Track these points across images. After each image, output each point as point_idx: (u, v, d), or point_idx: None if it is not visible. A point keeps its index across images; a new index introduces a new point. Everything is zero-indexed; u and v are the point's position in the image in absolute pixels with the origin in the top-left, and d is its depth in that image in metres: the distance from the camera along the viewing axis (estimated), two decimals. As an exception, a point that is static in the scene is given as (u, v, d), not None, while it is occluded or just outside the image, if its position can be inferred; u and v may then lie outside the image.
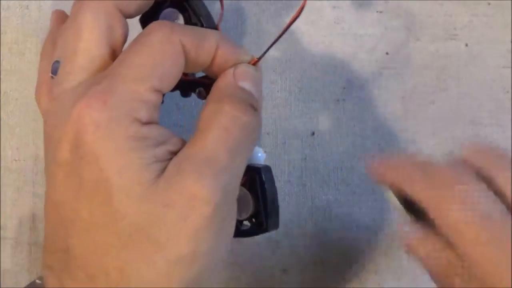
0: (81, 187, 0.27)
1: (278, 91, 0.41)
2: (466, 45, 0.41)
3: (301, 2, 0.38)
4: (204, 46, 0.30)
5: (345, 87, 0.41)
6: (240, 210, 0.31)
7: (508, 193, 0.30)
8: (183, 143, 0.28)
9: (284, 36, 0.41)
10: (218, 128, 0.28)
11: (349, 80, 0.41)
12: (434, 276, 0.32)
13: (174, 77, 0.29)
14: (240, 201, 0.31)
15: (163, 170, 0.27)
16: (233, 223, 0.29)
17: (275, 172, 0.33)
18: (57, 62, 0.30)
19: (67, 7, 0.41)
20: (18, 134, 0.41)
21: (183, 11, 0.33)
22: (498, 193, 0.30)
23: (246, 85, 0.30)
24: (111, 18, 0.30)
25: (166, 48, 0.28)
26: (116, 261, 0.27)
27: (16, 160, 0.41)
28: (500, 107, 0.41)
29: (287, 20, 0.41)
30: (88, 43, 0.29)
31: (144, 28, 0.30)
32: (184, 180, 0.27)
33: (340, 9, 0.41)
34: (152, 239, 0.26)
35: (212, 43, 0.30)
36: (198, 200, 0.26)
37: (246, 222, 0.32)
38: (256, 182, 0.32)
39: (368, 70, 0.41)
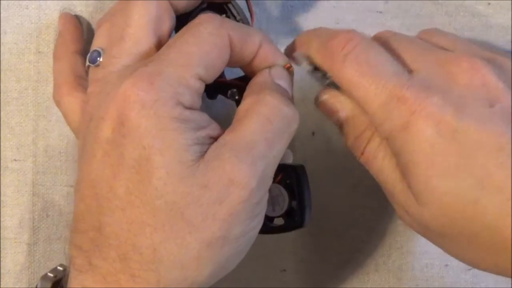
0: (120, 165, 0.27)
1: (278, 91, 0.41)
2: (466, 45, 0.41)
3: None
4: (249, 43, 0.31)
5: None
6: (274, 206, 0.33)
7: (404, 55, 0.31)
8: (222, 130, 0.29)
9: (284, 36, 0.41)
10: (259, 117, 0.29)
11: (349, 80, 0.41)
12: (348, 139, 0.33)
13: (218, 68, 0.30)
14: (274, 197, 0.33)
15: (203, 153, 0.28)
16: (264, 211, 0.30)
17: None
18: (96, 51, 0.31)
19: (67, 7, 0.41)
20: (18, 134, 0.41)
21: (221, 13, 0.34)
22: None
23: (282, 82, 0.32)
24: (161, 9, 0.31)
25: (215, 39, 0.29)
26: (150, 240, 0.27)
27: (16, 160, 0.41)
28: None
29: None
30: (136, 29, 0.30)
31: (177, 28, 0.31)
32: (223, 164, 0.27)
33: (340, 9, 0.41)
34: (187, 219, 0.27)
35: (257, 42, 0.31)
36: (236, 184, 0.27)
37: (279, 219, 0.33)
38: (293, 179, 0.33)
39: (368, 70, 0.41)
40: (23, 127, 0.41)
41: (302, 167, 0.34)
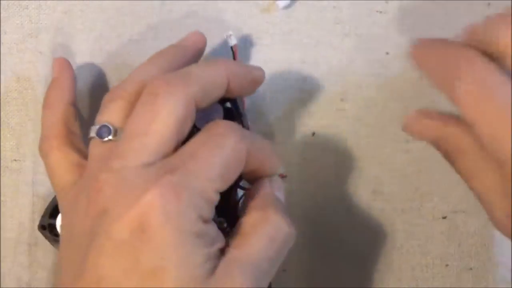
0: (134, 269, 0.28)
1: (278, 91, 0.41)
2: (466, 45, 0.41)
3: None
4: (261, 155, 0.32)
5: (345, 87, 0.41)
6: None
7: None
8: (225, 241, 0.30)
9: (284, 36, 0.41)
10: (265, 237, 0.30)
11: (349, 80, 0.41)
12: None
13: (233, 180, 0.31)
14: None
15: (213, 268, 0.29)
16: None
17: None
18: (107, 127, 0.31)
19: (67, 8, 0.41)
20: (18, 134, 0.41)
21: (225, 107, 0.35)
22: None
23: (280, 194, 0.33)
24: (188, 109, 0.31)
25: (236, 154, 0.30)
26: None
27: (16, 160, 0.41)
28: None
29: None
30: (162, 128, 0.30)
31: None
32: (232, 281, 0.29)
33: (340, 9, 0.41)
34: None
35: (267, 153, 0.33)
36: None
37: None
38: None
39: (368, 70, 0.41)
40: (23, 127, 0.41)
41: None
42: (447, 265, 0.41)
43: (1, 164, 0.41)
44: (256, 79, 0.35)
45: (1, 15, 0.41)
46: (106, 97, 0.33)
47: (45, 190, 0.41)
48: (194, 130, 0.32)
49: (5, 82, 0.41)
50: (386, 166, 0.41)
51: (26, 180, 0.41)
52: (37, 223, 0.40)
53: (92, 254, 0.29)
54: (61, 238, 0.32)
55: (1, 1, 0.41)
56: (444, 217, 0.41)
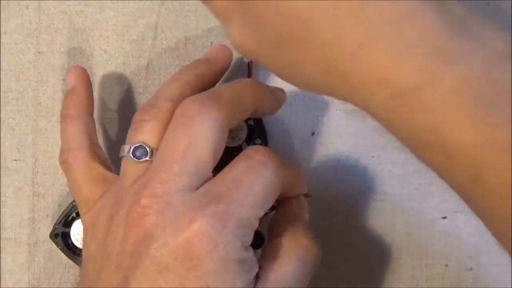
0: None
1: (278, 91, 0.41)
2: (466, 45, 0.41)
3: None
4: (293, 179, 0.33)
5: (345, 87, 0.41)
6: None
7: None
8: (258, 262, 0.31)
9: (284, 36, 0.41)
10: (297, 260, 0.32)
11: (349, 80, 0.41)
12: None
13: (269, 206, 0.31)
14: None
15: None
16: None
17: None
18: (142, 147, 0.32)
19: (67, 8, 0.41)
20: (18, 134, 0.41)
21: (248, 124, 0.37)
22: None
23: (305, 214, 0.35)
24: (223, 132, 0.31)
25: (275, 182, 0.31)
26: None
27: (16, 160, 0.41)
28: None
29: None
30: (200, 151, 0.30)
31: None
32: None
33: (340, 9, 0.41)
34: None
35: (298, 177, 0.34)
36: None
37: None
38: None
39: (368, 70, 0.41)
40: (23, 127, 0.41)
41: None
42: (447, 265, 0.41)
43: (1, 164, 0.41)
44: (279, 100, 0.36)
45: (1, 15, 0.41)
46: (139, 116, 0.33)
47: (45, 190, 0.41)
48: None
49: (5, 82, 0.41)
50: (386, 166, 0.41)
51: (26, 180, 0.41)
52: (37, 223, 0.40)
53: (136, 277, 0.29)
54: (87, 252, 0.32)
55: (1, 1, 0.41)
56: (444, 217, 0.41)
